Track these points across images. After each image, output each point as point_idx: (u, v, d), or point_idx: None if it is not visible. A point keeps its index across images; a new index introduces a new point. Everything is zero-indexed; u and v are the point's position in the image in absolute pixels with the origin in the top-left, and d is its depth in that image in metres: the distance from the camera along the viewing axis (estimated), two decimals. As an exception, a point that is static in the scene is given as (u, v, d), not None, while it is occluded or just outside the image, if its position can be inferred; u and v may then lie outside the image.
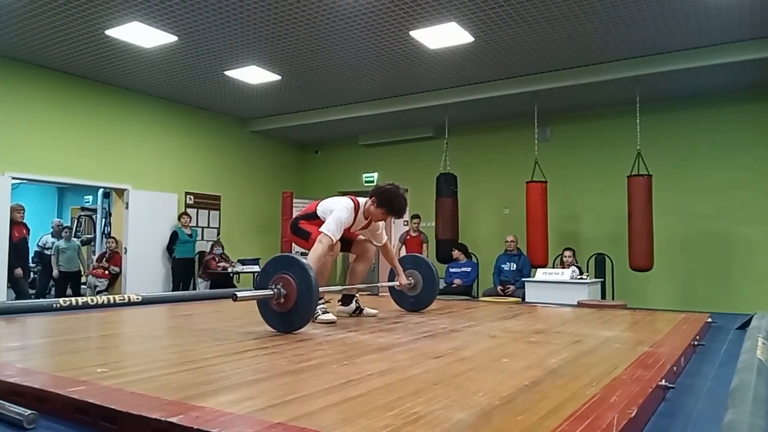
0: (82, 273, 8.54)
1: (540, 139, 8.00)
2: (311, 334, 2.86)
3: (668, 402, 1.84)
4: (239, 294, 2.82)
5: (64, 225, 9.45)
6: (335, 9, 5.35)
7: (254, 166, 10.01)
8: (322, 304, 3.39)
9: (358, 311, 3.72)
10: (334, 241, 3.33)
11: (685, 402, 1.88)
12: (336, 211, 3.40)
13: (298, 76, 7.34)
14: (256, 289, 2.97)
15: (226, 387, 1.75)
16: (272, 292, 2.84)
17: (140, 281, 7.92)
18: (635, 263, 6.79)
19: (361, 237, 3.76)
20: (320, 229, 3.32)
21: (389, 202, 3.51)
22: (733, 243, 7.26)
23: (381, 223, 3.79)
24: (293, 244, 3.69)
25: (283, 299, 2.84)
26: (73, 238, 8.75)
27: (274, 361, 2.21)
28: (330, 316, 3.32)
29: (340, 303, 3.79)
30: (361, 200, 3.59)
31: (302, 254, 3.26)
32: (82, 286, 8.37)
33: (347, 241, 3.67)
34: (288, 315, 2.87)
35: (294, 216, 3.77)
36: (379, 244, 3.83)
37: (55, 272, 8.17)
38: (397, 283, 3.96)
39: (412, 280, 4.09)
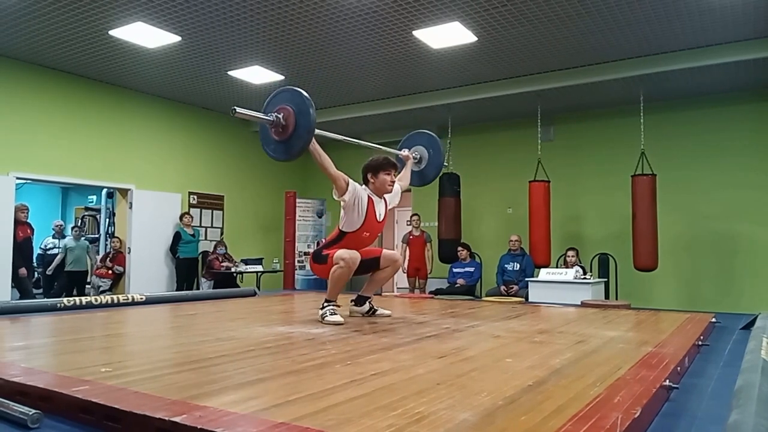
0: (89, 273, 8.56)
1: (543, 138, 7.98)
2: (314, 334, 2.86)
3: (672, 402, 1.84)
4: (239, 109, 2.99)
5: (74, 224, 9.48)
6: (338, 9, 5.35)
7: (257, 166, 10.01)
8: (332, 305, 3.38)
9: (372, 312, 3.70)
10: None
11: (689, 402, 1.87)
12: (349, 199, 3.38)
13: (301, 76, 7.34)
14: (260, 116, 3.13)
15: (230, 387, 1.75)
16: (272, 118, 3.06)
17: (144, 281, 7.94)
18: (639, 263, 6.77)
19: (384, 251, 3.69)
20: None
21: (376, 164, 3.52)
22: (737, 243, 7.24)
23: (392, 190, 3.66)
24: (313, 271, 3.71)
25: (282, 127, 3.07)
26: (81, 238, 8.77)
27: (278, 360, 2.21)
28: (337, 318, 3.28)
29: (353, 303, 3.75)
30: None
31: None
32: (87, 287, 8.39)
33: (373, 261, 3.58)
34: (287, 142, 3.09)
35: (315, 249, 3.73)
36: (405, 185, 3.91)
37: (67, 268, 8.19)
38: (403, 153, 4.06)
39: (418, 155, 4.19)
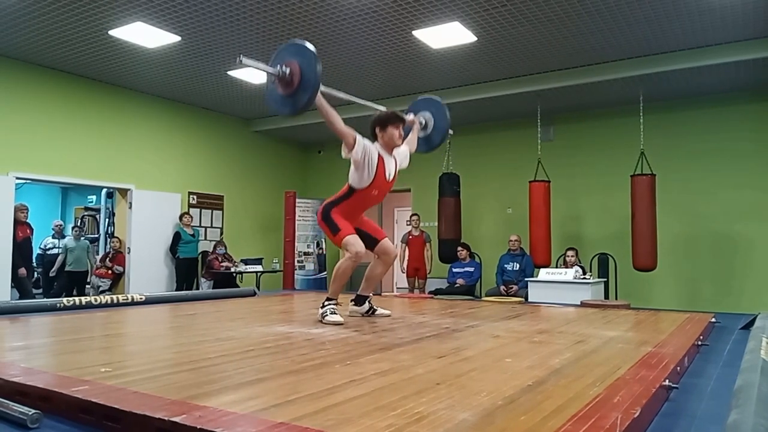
0: (89, 273, 8.54)
1: (543, 138, 7.99)
2: (314, 334, 2.86)
3: (672, 402, 1.84)
4: (245, 59, 3.05)
5: (73, 225, 9.47)
6: (338, 9, 5.35)
7: (257, 165, 10.03)
8: (333, 304, 3.37)
9: (371, 311, 3.69)
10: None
11: (689, 402, 1.87)
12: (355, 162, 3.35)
13: (301, 76, 7.33)
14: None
15: (229, 387, 1.76)
16: (277, 71, 3.05)
17: (143, 281, 7.94)
18: (639, 263, 6.77)
19: (386, 240, 3.69)
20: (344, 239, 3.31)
21: (384, 117, 3.51)
22: (736, 243, 7.25)
23: (401, 145, 3.66)
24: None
25: (287, 81, 3.05)
26: (82, 238, 8.76)
27: (277, 360, 2.21)
28: (337, 318, 3.27)
29: (352, 303, 3.73)
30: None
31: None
32: (86, 287, 8.39)
33: (373, 240, 3.58)
34: (293, 96, 3.08)
35: (325, 202, 3.63)
36: (413, 149, 3.89)
37: (67, 268, 8.19)
38: (409, 118, 4.00)
39: (423, 120, 4.17)
